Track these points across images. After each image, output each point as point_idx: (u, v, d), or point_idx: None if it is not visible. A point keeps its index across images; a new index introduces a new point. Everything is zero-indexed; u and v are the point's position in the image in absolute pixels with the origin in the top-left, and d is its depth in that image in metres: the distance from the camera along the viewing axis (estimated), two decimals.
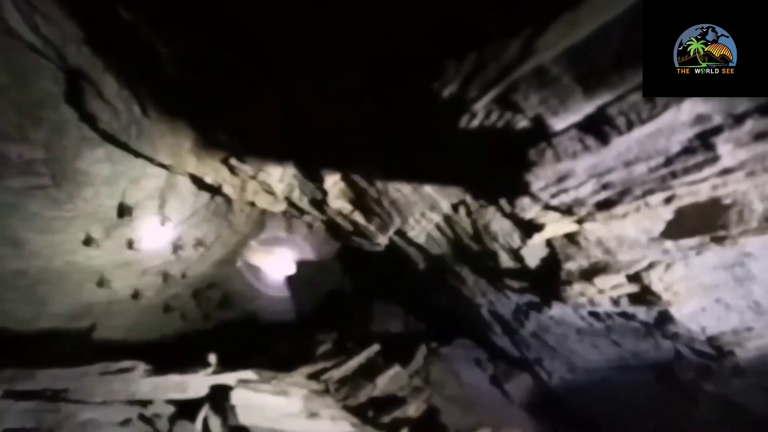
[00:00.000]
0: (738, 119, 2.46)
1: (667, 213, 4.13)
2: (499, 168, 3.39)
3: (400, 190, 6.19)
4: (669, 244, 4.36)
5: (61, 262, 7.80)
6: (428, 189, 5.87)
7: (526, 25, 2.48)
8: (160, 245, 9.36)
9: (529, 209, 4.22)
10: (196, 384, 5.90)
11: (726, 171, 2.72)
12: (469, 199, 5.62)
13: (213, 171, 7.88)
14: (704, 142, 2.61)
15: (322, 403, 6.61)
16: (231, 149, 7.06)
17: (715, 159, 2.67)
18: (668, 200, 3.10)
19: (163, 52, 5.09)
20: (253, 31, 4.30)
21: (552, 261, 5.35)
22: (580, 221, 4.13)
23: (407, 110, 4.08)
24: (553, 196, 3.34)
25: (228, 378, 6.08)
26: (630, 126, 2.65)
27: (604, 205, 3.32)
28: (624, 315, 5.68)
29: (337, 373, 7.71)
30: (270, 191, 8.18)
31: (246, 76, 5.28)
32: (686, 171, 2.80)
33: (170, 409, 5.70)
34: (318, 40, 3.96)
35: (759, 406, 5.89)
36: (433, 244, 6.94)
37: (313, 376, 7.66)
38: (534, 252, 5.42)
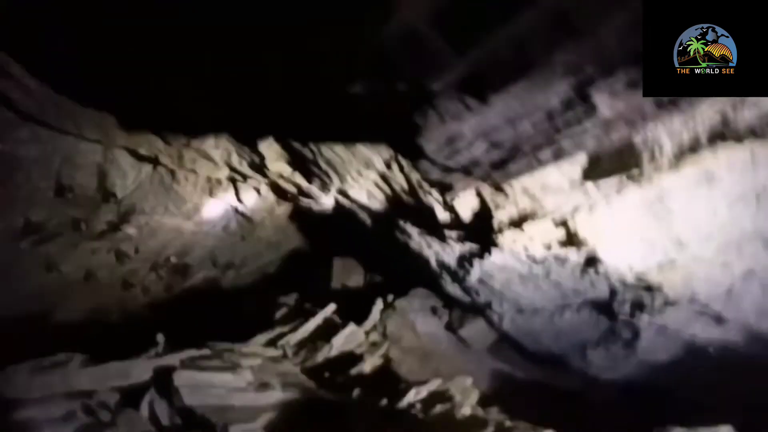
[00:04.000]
0: (609, 70, 2.31)
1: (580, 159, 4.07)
2: (397, 132, 3.23)
3: (334, 149, 6.02)
4: (589, 185, 4.31)
5: (4, 252, 7.54)
6: (360, 147, 5.70)
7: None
8: (105, 222, 9.11)
9: (431, 171, 4.09)
10: (140, 369, 5.74)
11: (606, 122, 2.60)
12: (399, 156, 5.47)
13: (146, 142, 7.61)
14: (580, 93, 2.47)
15: (275, 371, 6.57)
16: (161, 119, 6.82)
17: (593, 110, 2.54)
18: (557, 155, 2.98)
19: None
20: None
21: (484, 211, 5.28)
22: (484, 181, 4.02)
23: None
24: (448, 157, 3.21)
25: (172, 359, 5.97)
26: (504, 82, 2.48)
27: (499, 165, 3.20)
28: (557, 258, 5.71)
29: (294, 337, 7.68)
30: (208, 158, 7.95)
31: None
32: (568, 124, 2.68)
33: (116, 397, 5.57)
34: None
35: (692, 332, 6.17)
36: (375, 201, 6.84)
37: (271, 343, 7.62)
38: (466, 203, 5.34)
